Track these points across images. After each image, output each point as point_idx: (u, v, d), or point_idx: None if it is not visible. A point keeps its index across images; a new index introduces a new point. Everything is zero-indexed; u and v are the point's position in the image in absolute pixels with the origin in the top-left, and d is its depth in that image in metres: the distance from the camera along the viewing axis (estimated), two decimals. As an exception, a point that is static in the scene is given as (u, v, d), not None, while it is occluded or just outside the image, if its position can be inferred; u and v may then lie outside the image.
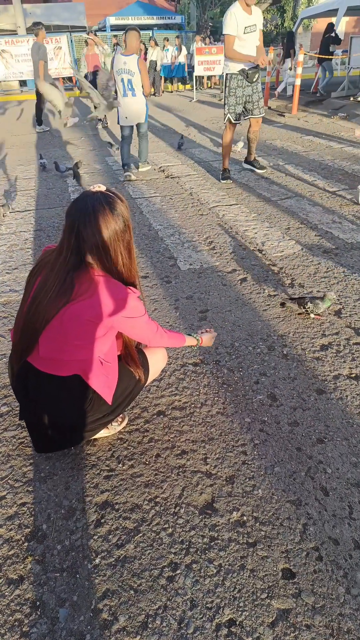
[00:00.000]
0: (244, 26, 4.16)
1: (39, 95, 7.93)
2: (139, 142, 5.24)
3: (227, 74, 4.49)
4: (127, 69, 4.59)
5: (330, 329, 2.33)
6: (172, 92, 14.96)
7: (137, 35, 4.58)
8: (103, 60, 8.62)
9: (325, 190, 4.47)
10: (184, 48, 14.60)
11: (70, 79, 16.17)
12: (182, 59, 14.67)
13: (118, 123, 5.03)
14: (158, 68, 13.71)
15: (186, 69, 14.93)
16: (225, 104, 4.63)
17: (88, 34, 7.87)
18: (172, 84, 15.28)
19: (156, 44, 13.62)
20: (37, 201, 4.58)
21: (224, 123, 4.79)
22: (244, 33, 4.18)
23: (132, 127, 5.02)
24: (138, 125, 5.00)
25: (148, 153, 5.46)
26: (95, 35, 8.36)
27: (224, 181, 4.89)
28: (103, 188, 1.38)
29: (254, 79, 4.39)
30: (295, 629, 1.13)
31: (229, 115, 4.63)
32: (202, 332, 1.85)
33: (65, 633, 1.14)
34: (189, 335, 1.76)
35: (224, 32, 4.24)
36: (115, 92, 4.86)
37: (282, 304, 2.48)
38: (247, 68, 4.32)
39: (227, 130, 4.80)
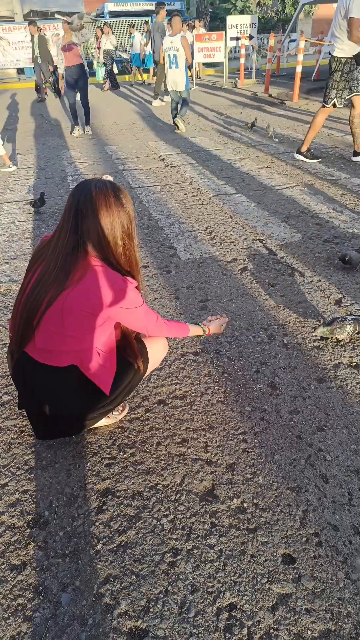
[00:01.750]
0: None
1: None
2: (182, 106, 6.62)
3: (338, 57, 4.34)
4: (174, 46, 6.10)
5: (331, 317, 2.33)
6: (142, 82, 13.85)
7: (180, 19, 6.15)
8: (84, 53, 6.87)
9: (325, 179, 4.43)
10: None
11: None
12: (150, 47, 12.67)
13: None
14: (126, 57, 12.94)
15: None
16: (331, 88, 4.49)
17: (64, 16, 6.20)
18: (146, 74, 14.02)
19: (112, 31, 12.52)
20: (36, 190, 4.54)
21: (323, 104, 4.68)
22: None
23: (176, 92, 6.49)
24: (180, 92, 6.44)
25: (186, 113, 6.92)
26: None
27: (315, 160, 4.96)
28: (110, 179, 1.38)
29: None
30: (295, 613, 1.15)
31: (335, 100, 4.52)
32: (210, 320, 1.80)
33: (67, 617, 1.15)
34: (195, 324, 1.72)
35: (355, 15, 3.99)
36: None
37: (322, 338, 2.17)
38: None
39: (323, 113, 4.75)
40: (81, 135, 6.78)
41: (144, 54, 13.40)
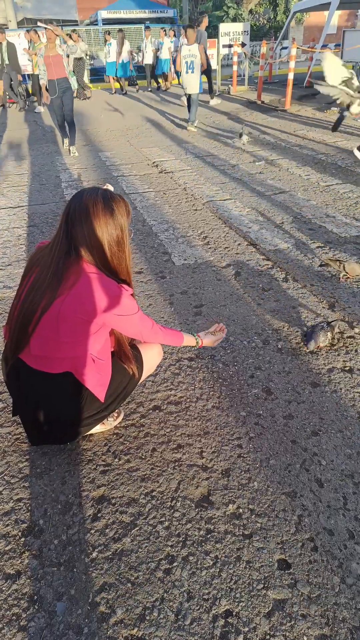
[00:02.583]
0: None
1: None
2: (191, 107, 7.27)
3: None
4: (191, 54, 6.77)
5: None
6: (124, 92, 12.96)
7: (194, 31, 6.89)
8: (68, 64, 5.93)
9: (318, 185, 4.47)
10: (126, 42, 12.35)
11: None
12: (125, 55, 12.29)
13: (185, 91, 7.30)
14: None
15: (131, 67, 12.86)
16: None
17: (47, 24, 5.50)
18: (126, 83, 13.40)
19: (79, 37, 11.93)
20: (30, 197, 4.55)
21: None
22: None
23: (189, 95, 7.18)
24: (192, 94, 7.13)
25: (196, 118, 7.42)
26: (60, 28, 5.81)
27: None
28: (111, 188, 1.39)
29: None
30: (291, 618, 1.15)
31: None
32: (207, 333, 1.79)
33: (63, 626, 1.14)
34: (190, 334, 1.72)
35: None
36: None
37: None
38: None
39: None
40: (74, 155, 6.07)
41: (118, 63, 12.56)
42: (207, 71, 9.32)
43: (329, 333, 2.09)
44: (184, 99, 8.82)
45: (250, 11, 22.18)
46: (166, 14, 19.22)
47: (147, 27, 13.33)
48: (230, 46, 12.09)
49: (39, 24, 5.54)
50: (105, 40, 12.97)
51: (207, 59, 8.65)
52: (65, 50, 5.65)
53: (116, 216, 1.35)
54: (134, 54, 13.09)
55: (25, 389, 1.49)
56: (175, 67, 7.86)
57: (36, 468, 1.58)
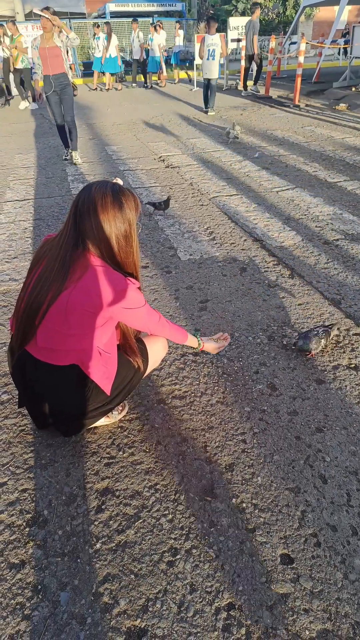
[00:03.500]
0: None
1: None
2: (210, 93, 8.15)
3: None
4: (214, 43, 7.76)
5: (330, 319, 2.34)
6: (106, 89, 12.37)
7: (216, 23, 7.82)
8: (68, 58, 5.16)
9: (326, 182, 4.44)
10: (114, 37, 11.72)
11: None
12: (113, 50, 11.68)
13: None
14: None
15: (119, 63, 12.31)
16: None
17: (42, 11, 4.67)
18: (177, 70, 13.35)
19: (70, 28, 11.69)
20: (36, 190, 4.55)
21: None
22: None
23: (208, 80, 7.98)
24: (211, 79, 7.97)
25: (214, 103, 8.36)
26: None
27: None
28: (120, 182, 1.38)
29: None
30: (293, 612, 1.15)
31: None
32: (210, 339, 1.79)
33: (66, 616, 1.15)
34: (194, 336, 1.72)
35: None
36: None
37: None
38: None
39: None
40: (76, 162, 5.41)
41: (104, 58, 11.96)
42: (260, 61, 10.13)
43: (322, 340, 2.01)
44: (194, 88, 9.26)
45: (260, 5, 21.96)
46: (175, 7, 19.07)
47: (134, 20, 12.52)
48: (239, 40, 12.00)
49: (34, 10, 4.68)
50: (94, 34, 12.27)
51: (256, 49, 9.76)
52: (65, 42, 4.87)
53: (125, 210, 1.35)
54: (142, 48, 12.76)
55: (31, 381, 1.50)
56: (199, 55, 8.21)
57: (41, 459, 1.59)
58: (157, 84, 13.27)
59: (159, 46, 12.04)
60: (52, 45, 4.86)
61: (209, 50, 7.87)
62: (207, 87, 8.14)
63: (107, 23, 11.88)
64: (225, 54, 8.33)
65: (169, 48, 13.46)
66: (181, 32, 13.26)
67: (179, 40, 13.01)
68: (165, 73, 13.04)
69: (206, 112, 8.41)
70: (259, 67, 10.50)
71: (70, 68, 5.33)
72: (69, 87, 5.15)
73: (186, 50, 14.01)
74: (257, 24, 9.55)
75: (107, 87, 12.38)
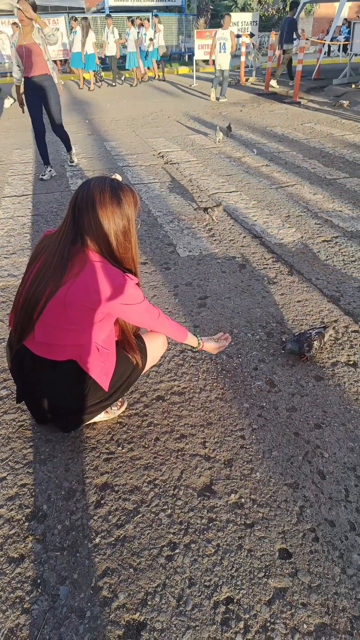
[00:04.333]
0: None
1: None
2: (223, 82, 9.15)
3: None
4: (224, 37, 8.71)
5: (329, 316, 2.34)
6: (90, 88, 11.55)
7: (230, 19, 8.83)
8: (48, 56, 4.26)
9: (325, 178, 4.44)
10: (91, 33, 10.99)
11: (65, 61, 14.53)
12: (89, 47, 11.00)
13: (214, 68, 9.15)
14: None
15: (97, 61, 11.62)
16: None
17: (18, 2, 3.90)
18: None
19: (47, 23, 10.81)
20: (35, 185, 4.53)
21: None
22: None
23: (221, 70, 9.01)
24: (224, 70, 8.98)
25: (226, 91, 9.32)
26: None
27: None
28: (119, 178, 1.38)
29: None
30: (291, 607, 1.16)
31: None
32: (210, 338, 1.78)
33: (65, 610, 1.16)
34: (194, 335, 1.71)
35: None
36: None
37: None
38: None
39: None
40: (75, 162, 5.11)
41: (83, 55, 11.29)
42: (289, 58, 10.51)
43: (315, 342, 1.97)
44: (194, 84, 9.65)
45: (260, 1, 21.90)
46: (174, 3, 18.96)
47: (107, 16, 11.90)
48: (238, 36, 11.94)
49: (14, 4, 3.91)
50: (71, 28, 11.37)
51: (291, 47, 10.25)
52: (44, 39, 4.17)
53: (123, 206, 1.35)
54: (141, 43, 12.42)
55: (30, 376, 1.50)
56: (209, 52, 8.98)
57: (40, 455, 1.59)
58: (145, 80, 12.85)
59: (135, 42, 11.70)
60: (30, 42, 4.04)
61: (220, 44, 8.79)
62: (218, 78, 9.14)
63: (84, 18, 11.09)
64: (234, 49, 8.99)
65: (150, 39, 12.41)
66: (161, 27, 12.47)
67: (88, 43, 11.16)
68: (142, 70, 12.56)
69: (217, 99, 9.19)
70: (290, 63, 10.83)
71: (56, 64, 4.81)
72: (54, 89, 4.39)
73: (166, 46, 13.17)
74: (294, 20, 10.01)
75: (90, 87, 11.62)
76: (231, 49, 8.79)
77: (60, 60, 14.46)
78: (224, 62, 8.92)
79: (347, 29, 14.26)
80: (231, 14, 11.41)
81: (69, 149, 5.09)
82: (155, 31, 12.28)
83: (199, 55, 11.63)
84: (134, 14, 15.05)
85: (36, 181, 4.67)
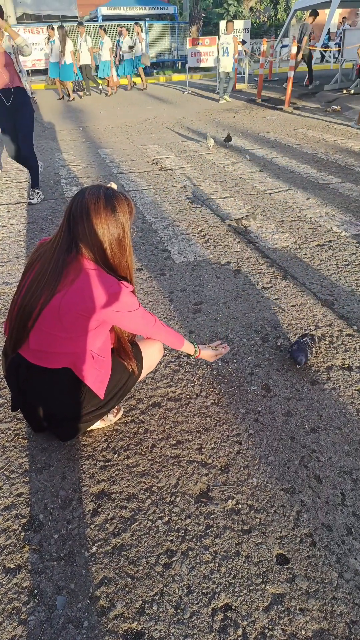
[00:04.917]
0: None
1: None
2: (228, 82, 9.89)
3: None
4: (227, 42, 9.49)
5: (324, 320, 2.35)
6: (70, 98, 11.22)
7: (233, 25, 9.81)
8: (19, 68, 3.84)
9: (318, 183, 4.48)
10: (69, 42, 10.55)
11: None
12: (68, 57, 10.53)
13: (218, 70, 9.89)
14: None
15: (75, 70, 11.13)
16: None
17: None
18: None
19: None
20: (30, 193, 4.53)
21: None
22: None
23: (226, 73, 9.77)
24: (228, 72, 9.75)
25: (229, 91, 10.09)
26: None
27: None
28: (114, 186, 1.39)
29: None
30: (289, 612, 1.16)
31: None
32: (207, 346, 1.77)
33: (63, 620, 1.15)
34: (191, 342, 1.70)
35: None
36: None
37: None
38: None
39: None
40: (38, 202, 4.25)
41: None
42: (308, 60, 10.71)
43: (313, 349, 2.00)
44: (187, 91, 10.05)
45: (251, 9, 22.13)
46: (167, 11, 19.16)
47: (80, 24, 11.37)
48: (244, 42, 12.06)
49: None
50: (49, 37, 11.01)
51: (309, 49, 10.51)
52: (15, 49, 3.73)
53: (118, 215, 1.35)
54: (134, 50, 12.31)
55: (25, 384, 1.50)
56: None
57: (36, 463, 1.58)
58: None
59: (110, 50, 11.45)
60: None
61: (222, 47, 9.57)
62: (224, 79, 9.85)
63: (60, 27, 10.57)
64: (236, 53, 9.75)
65: (129, 47, 12.16)
66: (143, 35, 12.29)
67: (66, 53, 10.66)
68: (115, 79, 12.20)
69: (218, 101, 9.81)
70: (309, 66, 11.02)
71: (28, 75, 4.22)
72: (28, 106, 3.93)
73: (148, 55, 12.87)
74: (309, 27, 10.18)
75: (70, 98, 11.23)
76: (234, 52, 9.51)
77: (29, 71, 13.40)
78: (227, 64, 9.64)
79: (327, 36, 14.41)
80: (221, 22, 11.63)
81: (35, 184, 4.25)
82: (137, 40, 12.00)
83: (191, 62, 11.74)
84: (127, 22, 15.17)
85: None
